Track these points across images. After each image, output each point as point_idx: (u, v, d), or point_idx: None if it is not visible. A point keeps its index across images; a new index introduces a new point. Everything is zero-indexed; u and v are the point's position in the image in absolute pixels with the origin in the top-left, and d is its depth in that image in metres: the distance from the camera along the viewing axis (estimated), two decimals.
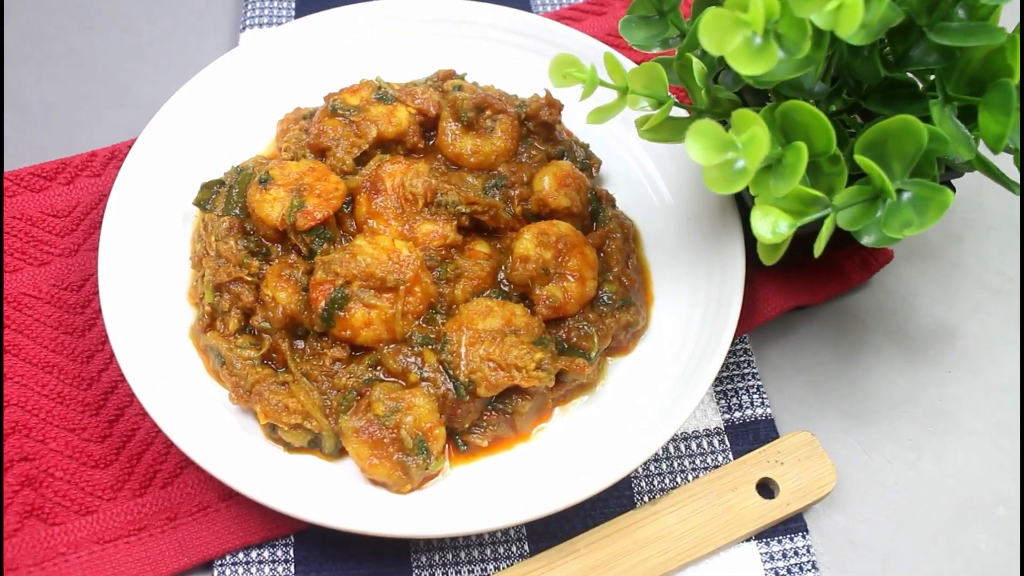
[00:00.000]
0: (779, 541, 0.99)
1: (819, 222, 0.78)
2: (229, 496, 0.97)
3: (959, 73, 0.82)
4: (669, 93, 0.88)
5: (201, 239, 1.06)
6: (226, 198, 1.04)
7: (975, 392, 1.11)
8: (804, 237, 0.86)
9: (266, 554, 0.96)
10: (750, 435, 1.05)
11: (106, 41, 1.38)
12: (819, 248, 0.77)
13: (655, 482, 1.02)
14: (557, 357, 0.99)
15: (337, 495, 0.92)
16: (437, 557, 0.97)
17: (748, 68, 0.73)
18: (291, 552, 0.96)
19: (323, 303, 0.95)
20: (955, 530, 1.02)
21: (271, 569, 0.95)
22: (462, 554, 0.97)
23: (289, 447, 0.97)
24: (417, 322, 0.99)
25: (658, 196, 1.15)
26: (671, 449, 1.04)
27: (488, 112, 1.10)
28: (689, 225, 1.11)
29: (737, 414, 1.07)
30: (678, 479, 1.02)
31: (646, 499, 1.00)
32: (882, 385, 1.11)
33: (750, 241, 1.02)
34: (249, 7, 1.39)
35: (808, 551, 0.98)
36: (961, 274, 1.20)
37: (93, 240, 1.14)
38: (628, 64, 1.12)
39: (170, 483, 0.98)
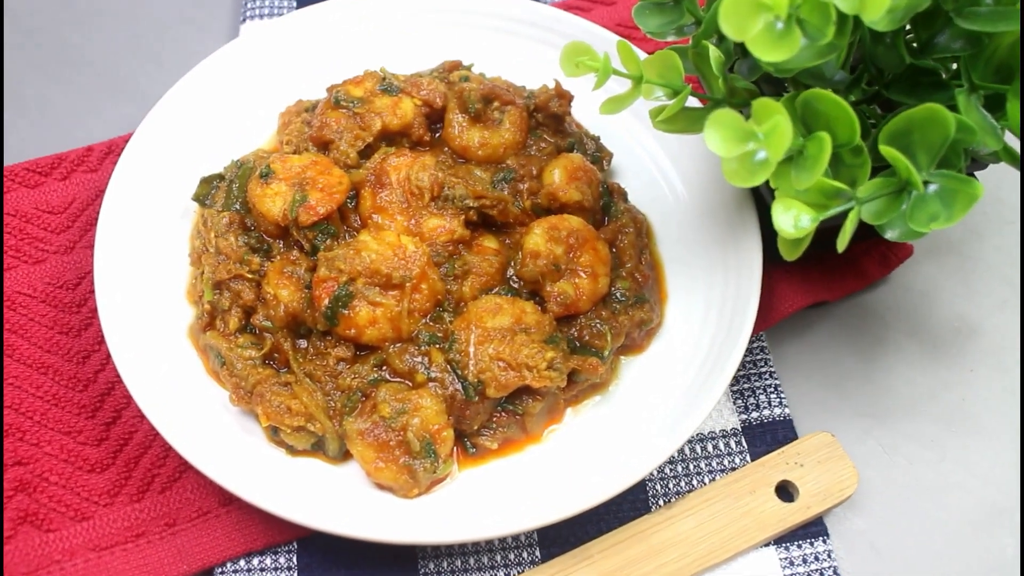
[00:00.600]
0: (799, 546, 0.97)
1: (842, 216, 0.76)
2: (230, 501, 0.96)
3: (986, 60, 0.81)
4: (685, 82, 0.86)
5: (200, 235, 1.06)
6: (226, 193, 1.04)
7: (999, 390, 1.10)
8: (820, 232, 0.84)
9: (268, 561, 0.95)
10: (768, 436, 1.04)
11: (104, 33, 1.37)
12: (843, 242, 0.76)
13: (670, 485, 1.00)
14: (569, 356, 0.97)
15: (341, 500, 0.91)
16: (445, 564, 0.95)
17: (770, 54, 0.71)
18: (294, 559, 0.95)
19: (326, 301, 0.94)
20: (980, 534, 1.00)
21: None
22: (471, 561, 0.96)
23: (292, 450, 0.96)
24: (424, 320, 0.98)
25: (671, 190, 1.14)
26: (686, 451, 1.03)
27: (496, 103, 1.09)
28: (704, 219, 1.09)
29: (754, 414, 1.05)
30: (694, 482, 1.00)
31: (661, 503, 0.99)
32: (903, 384, 1.10)
33: (766, 236, 1.00)
34: None
35: (829, 556, 0.97)
36: (983, 269, 1.18)
37: (89, 237, 1.12)
38: (641, 55, 1.11)
39: (169, 488, 0.97)
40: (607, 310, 1.02)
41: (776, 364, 1.10)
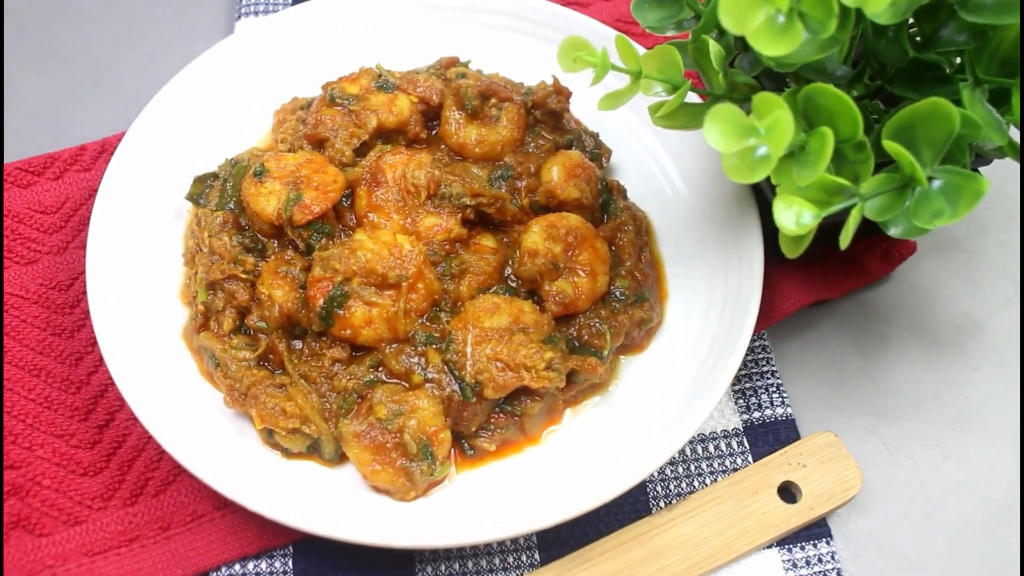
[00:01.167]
0: (802, 547, 0.96)
1: (844, 212, 0.76)
2: (224, 505, 0.95)
3: (990, 54, 0.80)
4: (684, 77, 0.86)
5: (194, 235, 1.05)
6: (220, 192, 1.03)
7: (1003, 388, 1.09)
8: (823, 229, 0.83)
9: (263, 565, 0.94)
10: (770, 436, 1.03)
11: (97, 30, 1.36)
12: (846, 239, 0.75)
13: (671, 486, 0.99)
14: (568, 356, 0.97)
15: (337, 503, 0.91)
16: (443, 568, 0.95)
17: (771, 48, 0.71)
18: (289, 563, 0.94)
19: (322, 301, 0.94)
20: (985, 534, 1.00)
21: None
22: (469, 564, 0.95)
23: (287, 453, 0.95)
24: (420, 320, 0.97)
25: (671, 187, 1.14)
26: (687, 451, 1.02)
27: (493, 100, 1.09)
28: (704, 217, 1.09)
29: (756, 414, 1.04)
30: (695, 483, 1.00)
31: (662, 504, 0.98)
32: (906, 382, 1.09)
33: (767, 233, 1.00)
34: None
35: (833, 558, 0.96)
36: (987, 266, 1.18)
37: (82, 237, 1.12)
38: (640, 50, 1.10)
39: (163, 491, 0.96)
40: (606, 309, 1.01)
41: (778, 363, 1.09)
